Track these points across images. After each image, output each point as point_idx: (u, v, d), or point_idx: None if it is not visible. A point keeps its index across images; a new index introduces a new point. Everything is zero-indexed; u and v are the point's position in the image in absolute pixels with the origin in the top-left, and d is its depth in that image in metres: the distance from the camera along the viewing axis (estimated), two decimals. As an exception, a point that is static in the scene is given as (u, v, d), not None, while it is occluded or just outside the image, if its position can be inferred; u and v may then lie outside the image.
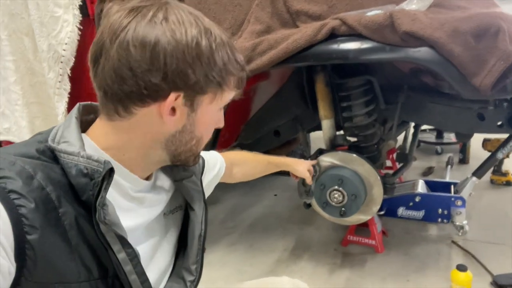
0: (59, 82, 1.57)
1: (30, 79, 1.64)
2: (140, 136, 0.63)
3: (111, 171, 0.57)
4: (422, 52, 1.19)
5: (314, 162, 1.53)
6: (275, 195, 2.59)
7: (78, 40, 1.56)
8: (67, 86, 1.59)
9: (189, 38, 0.57)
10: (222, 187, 1.02)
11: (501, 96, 1.27)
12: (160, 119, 0.61)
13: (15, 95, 1.64)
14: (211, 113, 0.66)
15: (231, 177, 1.10)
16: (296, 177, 1.42)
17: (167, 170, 0.76)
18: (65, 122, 0.63)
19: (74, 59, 1.58)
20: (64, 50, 1.55)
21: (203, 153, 0.93)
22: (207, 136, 0.69)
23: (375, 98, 1.61)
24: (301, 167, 1.40)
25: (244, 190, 2.64)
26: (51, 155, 0.59)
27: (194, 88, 0.60)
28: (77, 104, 0.67)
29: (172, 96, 0.59)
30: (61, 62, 1.55)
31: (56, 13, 1.52)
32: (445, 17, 1.20)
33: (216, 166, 0.98)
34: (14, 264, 0.51)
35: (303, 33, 1.28)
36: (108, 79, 0.58)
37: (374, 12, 1.28)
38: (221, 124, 0.72)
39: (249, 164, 1.19)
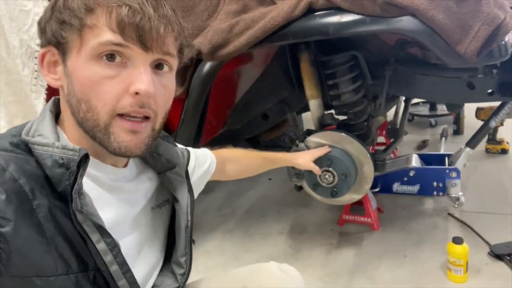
0: (35, 78, 1.51)
1: (5, 78, 1.58)
2: (65, 110, 0.63)
3: (86, 158, 0.56)
4: (403, 22, 1.13)
5: (324, 151, 1.45)
6: (269, 179, 2.56)
7: (51, 34, 1.51)
8: (44, 82, 1.53)
9: None
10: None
11: (488, 62, 1.23)
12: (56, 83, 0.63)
13: (-9, 95, 1.59)
14: (87, 66, 0.57)
15: (224, 174, 1.09)
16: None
17: (151, 162, 0.76)
18: (39, 116, 0.63)
19: (49, 53, 1.52)
20: (37, 45, 1.49)
21: (193, 150, 0.93)
22: (96, 99, 0.57)
23: (362, 74, 1.57)
24: (301, 160, 1.35)
25: (239, 176, 2.62)
26: (25, 148, 0.58)
27: (54, 38, 0.60)
28: (52, 98, 0.67)
29: (42, 51, 0.62)
30: (35, 57, 1.50)
31: (25, 7, 1.46)
32: (426, -17, 1.15)
33: (206, 162, 0.97)
34: None
35: (280, 10, 1.22)
36: None
37: (352, -17, 1.22)
38: (127, 82, 0.57)
39: (242, 160, 1.17)
